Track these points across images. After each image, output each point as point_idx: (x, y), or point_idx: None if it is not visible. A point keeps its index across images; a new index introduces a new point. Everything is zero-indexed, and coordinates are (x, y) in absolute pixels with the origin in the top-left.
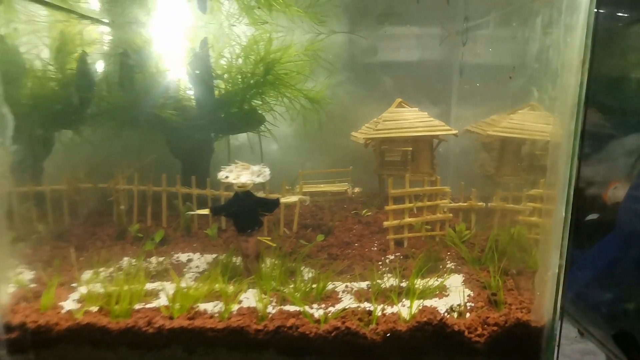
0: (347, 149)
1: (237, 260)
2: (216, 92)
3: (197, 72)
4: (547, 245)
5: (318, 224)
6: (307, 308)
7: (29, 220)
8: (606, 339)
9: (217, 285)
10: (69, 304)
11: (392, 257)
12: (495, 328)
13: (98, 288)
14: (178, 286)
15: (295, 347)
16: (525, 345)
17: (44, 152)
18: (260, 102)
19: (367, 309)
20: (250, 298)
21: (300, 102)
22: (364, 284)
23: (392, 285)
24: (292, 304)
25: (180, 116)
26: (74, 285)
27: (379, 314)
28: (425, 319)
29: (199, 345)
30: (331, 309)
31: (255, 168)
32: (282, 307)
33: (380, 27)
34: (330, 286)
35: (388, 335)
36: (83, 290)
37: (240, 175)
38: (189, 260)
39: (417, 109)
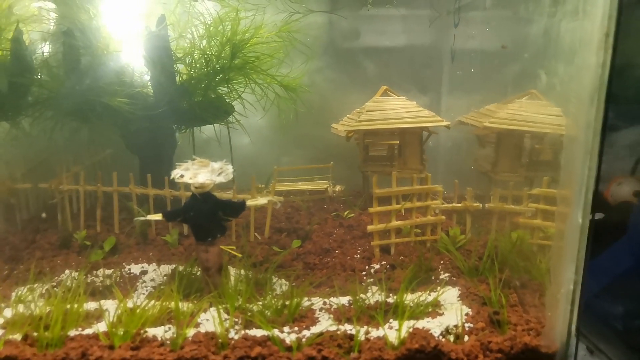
0: (327, 142)
1: (199, 272)
2: (177, 78)
3: (154, 54)
4: (560, 256)
5: (294, 227)
6: (277, 332)
7: None
8: (620, 358)
9: (171, 304)
10: None
11: (377, 267)
12: (499, 355)
13: (28, 309)
14: (124, 306)
15: None
16: None
17: None
18: (227, 90)
19: (349, 332)
20: (210, 319)
21: (274, 90)
22: (344, 300)
23: (377, 301)
24: (260, 327)
25: (134, 105)
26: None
27: (362, 338)
28: (416, 345)
29: None
30: (306, 332)
31: (216, 165)
32: (247, 330)
33: (362, 7)
34: (305, 302)
35: None
36: (8, 313)
37: (197, 174)
38: (143, 273)
39: (404, 97)
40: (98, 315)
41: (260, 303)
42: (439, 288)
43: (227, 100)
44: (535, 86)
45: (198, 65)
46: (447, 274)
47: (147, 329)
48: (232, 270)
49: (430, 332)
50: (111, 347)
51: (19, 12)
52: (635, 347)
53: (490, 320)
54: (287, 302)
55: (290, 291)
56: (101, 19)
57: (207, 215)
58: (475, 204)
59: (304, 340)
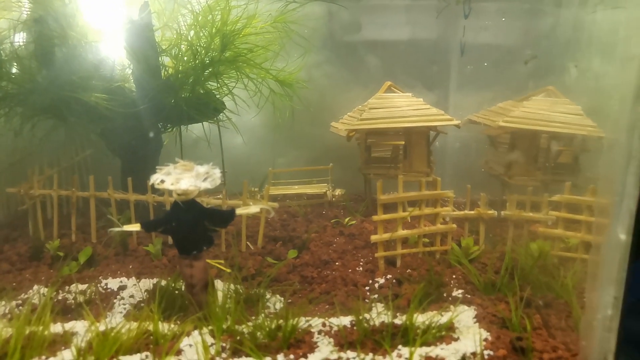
0: (326, 142)
1: (183, 287)
2: (162, 72)
3: (136, 45)
4: (596, 275)
5: (290, 236)
6: None
7: None
8: None
9: (150, 327)
10: None
11: (382, 281)
12: None
13: None
14: (95, 329)
15: None
16: None
17: None
18: (217, 85)
19: None
20: (194, 345)
21: (269, 85)
22: (346, 320)
23: (383, 322)
24: (249, 355)
25: (114, 102)
26: None
27: None
28: None
29: None
30: None
31: (202, 169)
32: (235, 359)
33: None
34: (303, 323)
35: None
36: None
37: (180, 179)
38: (121, 288)
39: (410, 94)
40: (67, 340)
41: (252, 324)
42: (452, 307)
43: (218, 97)
44: (562, 82)
45: (185, 58)
46: (460, 291)
47: (120, 357)
48: (221, 285)
49: None
50: None
51: None
52: None
53: (512, 347)
54: (282, 323)
55: (285, 311)
56: (77, 6)
57: (192, 226)
58: (490, 211)
59: None
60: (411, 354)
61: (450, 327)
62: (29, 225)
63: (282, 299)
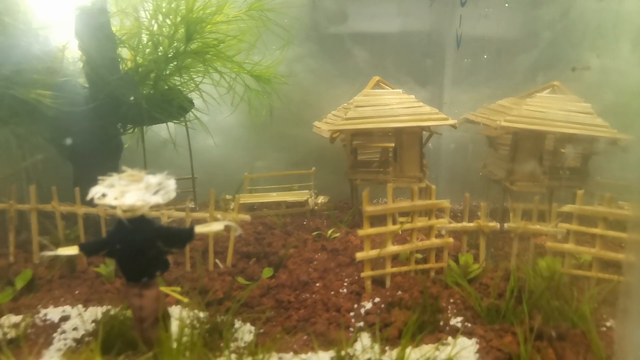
0: (308, 144)
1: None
2: (119, 65)
3: (89, 34)
4: (632, 305)
5: (265, 251)
6: None
7: None
8: None
9: None
10: None
11: (369, 306)
12: None
13: None
14: None
15: None
16: None
17: None
18: (183, 81)
19: None
20: None
21: (244, 81)
22: (326, 357)
23: (369, 359)
24: None
25: (62, 99)
26: None
27: None
28: None
29: None
30: None
31: (153, 180)
32: None
33: None
34: None
35: None
36: None
37: (125, 192)
38: (63, 319)
39: (400, 90)
40: None
41: None
42: (450, 340)
43: (185, 94)
44: (571, 76)
45: (147, 49)
46: (459, 319)
47: None
48: (178, 312)
49: None
50: None
51: None
52: None
53: None
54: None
55: (255, 345)
56: None
57: (141, 248)
58: (492, 224)
59: None
60: None
61: None
62: None
63: (254, 328)
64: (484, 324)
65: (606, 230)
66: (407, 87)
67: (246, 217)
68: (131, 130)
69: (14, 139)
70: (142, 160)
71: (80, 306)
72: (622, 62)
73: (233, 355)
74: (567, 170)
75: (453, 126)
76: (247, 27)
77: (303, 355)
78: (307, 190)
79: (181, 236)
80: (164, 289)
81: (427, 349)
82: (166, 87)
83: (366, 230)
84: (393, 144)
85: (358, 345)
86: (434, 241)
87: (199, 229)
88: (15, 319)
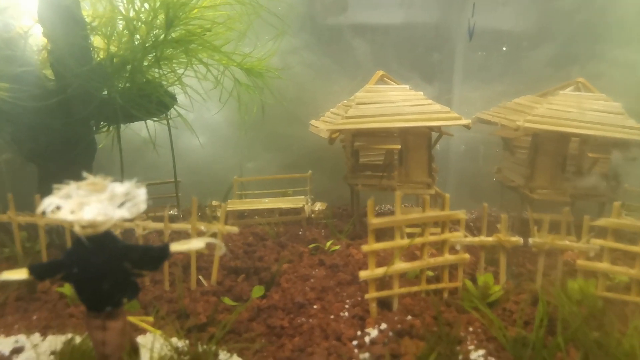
0: (305, 144)
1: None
2: (92, 55)
3: (55, 18)
4: None
5: (255, 267)
6: None
7: None
8: None
9: None
10: None
11: (374, 334)
12: None
13: None
14: None
15: None
16: None
17: None
18: (164, 73)
19: None
20: None
21: (233, 74)
22: None
23: None
24: None
25: (24, 92)
26: None
27: None
28: None
29: None
30: None
31: (119, 189)
32: None
33: None
34: None
35: None
36: None
37: (84, 204)
38: (16, 351)
39: (407, 86)
40: None
41: None
42: None
43: (166, 89)
44: (602, 72)
45: (122, 37)
46: (481, 352)
47: None
48: (150, 341)
49: None
50: None
51: None
52: None
53: None
54: None
55: None
56: None
57: (104, 271)
58: (514, 238)
59: None
60: None
61: None
62: None
63: None
64: (510, 357)
65: None
66: (412, 83)
67: (233, 228)
68: (105, 129)
69: None
70: (119, 163)
71: (37, 335)
72: None
73: None
74: (595, 177)
75: (467, 126)
76: (236, 15)
77: None
78: (303, 196)
79: (153, 256)
80: (132, 319)
81: None
82: (144, 81)
83: (371, 246)
84: (399, 146)
85: None
86: (448, 257)
87: (175, 247)
88: None
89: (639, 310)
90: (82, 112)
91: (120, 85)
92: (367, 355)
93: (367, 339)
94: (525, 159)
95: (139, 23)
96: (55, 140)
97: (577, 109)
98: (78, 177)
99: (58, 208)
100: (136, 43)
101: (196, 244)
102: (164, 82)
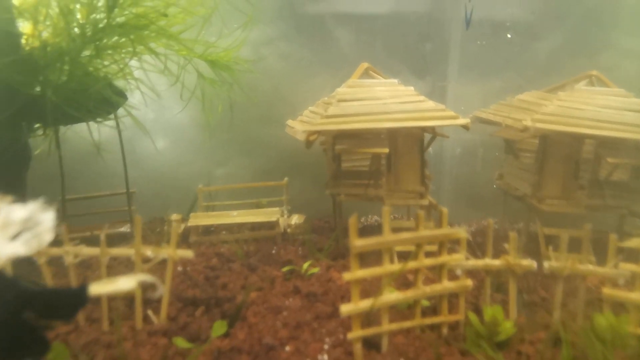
0: (281, 147)
1: None
2: (20, 44)
3: None
4: None
5: (217, 297)
6: None
7: None
8: None
9: None
10: None
11: None
12: None
13: None
14: None
15: None
16: None
17: None
18: (107, 65)
19: None
20: None
21: (195, 67)
22: None
23: None
24: None
25: None
26: None
27: None
28: None
29: None
30: None
31: (16, 214)
32: None
33: None
34: None
35: None
36: None
37: None
38: None
39: (396, 80)
40: None
41: None
42: None
43: (113, 83)
44: (615, 64)
45: (57, 24)
46: None
47: None
48: None
49: None
50: None
51: None
52: None
53: None
54: None
55: None
56: None
57: None
58: (525, 262)
59: None
60: None
61: None
62: None
63: None
64: None
65: None
66: (401, 78)
67: (187, 253)
68: (41, 132)
69: None
70: (61, 171)
71: None
72: None
73: None
74: (613, 185)
75: (465, 127)
76: None
77: None
78: (278, 208)
79: (65, 303)
80: None
81: None
82: (85, 74)
83: (354, 274)
84: (387, 150)
85: None
86: (447, 285)
87: (96, 288)
88: None
89: None
90: (6, 111)
91: (54, 79)
92: None
93: None
94: (532, 163)
95: (76, 4)
96: None
97: (592, 106)
98: (9, 189)
99: None
100: (74, 29)
101: (124, 284)
102: (110, 77)
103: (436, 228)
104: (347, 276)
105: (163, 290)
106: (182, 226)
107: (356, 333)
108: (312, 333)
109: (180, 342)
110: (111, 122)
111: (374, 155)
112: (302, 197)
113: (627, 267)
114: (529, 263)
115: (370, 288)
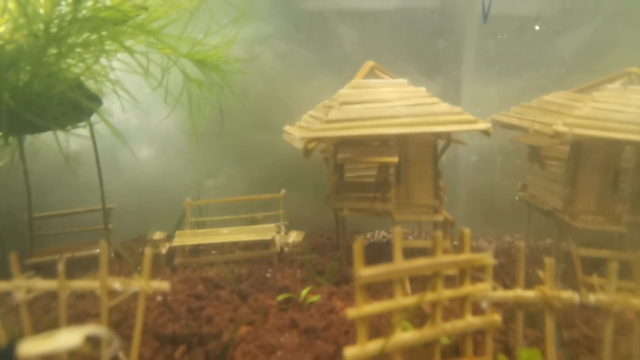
0: (277, 156)
1: None
2: None
3: None
4: None
5: (201, 333)
6: None
7: None
8: None
9: None
10: None
11: None
12: None
13: None
14: None
15: None
16: None
17: None
18: (74, 64)
19: None
20: None
21: (181, 68)
22: None
23: None
24: None
25: None
26: None
27: None
28: None
29: None
30: None
31: None
32: None
33: None
34: None
35: None
36: None
37: None
38: None
39: (405, 81)
40: None
41: None
42: None
43: (86, 85)
44: None
45: (18, 17)
46: None
47: None
48: None
49: None
50: None
51: None
52: None
53: None
54: None
55: None
56: None
57: None
58: (565, 295)
59: None
60: None
61: None
62: None
63: None
64: None
65: None
66: (410, 78)
67: (163, 285)
68: (1, 141)
69: None
70: (27, 186)
71: None
72: None
73: None
74: None
75: (486, 132)
76: None
77: None
78: (273, 224)
79: None
80: None
81: None
82: (49, 76)
83: (360, 310)
84: (396, 159)
85: None
86: (471, 321)
87: (28, 348)
88: None
89: None
90: None
91: (14, 81)
92: None
93: None
94: (562, 173)
95: None
96: None
97: (633, 107)
98: None
99: None
100: (37, 25)
101: (66, 340)
102: (82, 79)
103: (452, 246)
104: (351, 313)
105: (117, 346)
106: (167, 245)
107: None
108: None
109: None
110: (85, 130)
111: (381, 165)
112: (301, 210)
113: None
114: (569, 295)
115: (378, 321)
